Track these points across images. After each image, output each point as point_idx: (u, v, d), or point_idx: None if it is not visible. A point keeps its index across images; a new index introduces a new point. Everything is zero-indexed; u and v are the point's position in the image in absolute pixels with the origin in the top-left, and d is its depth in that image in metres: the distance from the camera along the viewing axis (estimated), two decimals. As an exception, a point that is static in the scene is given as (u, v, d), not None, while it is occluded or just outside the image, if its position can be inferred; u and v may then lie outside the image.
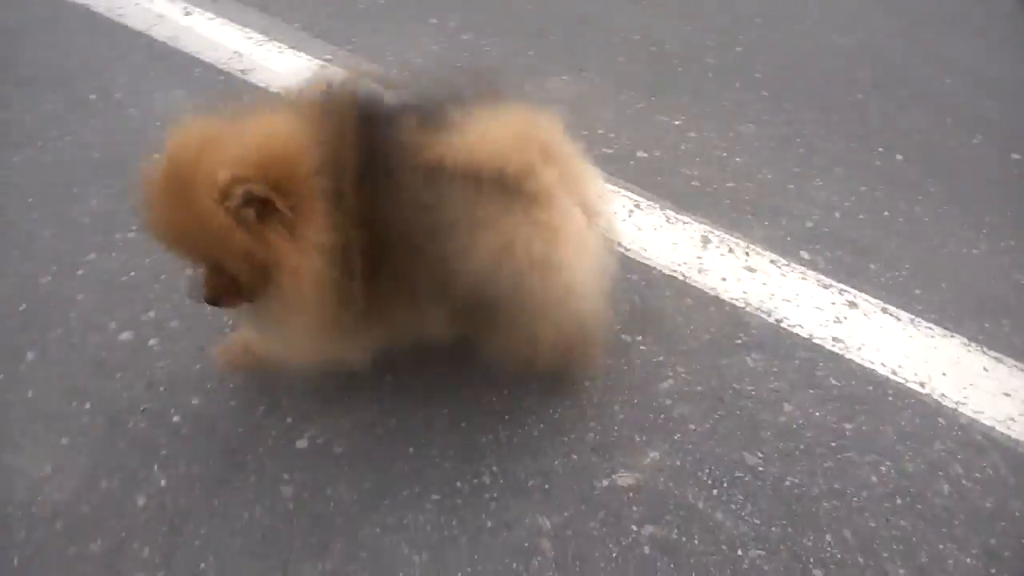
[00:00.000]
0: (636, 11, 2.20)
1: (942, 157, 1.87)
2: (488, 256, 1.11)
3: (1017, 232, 1.71)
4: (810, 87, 2.02)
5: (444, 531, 1.25)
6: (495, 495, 1.29)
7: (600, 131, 1.88)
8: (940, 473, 1.33)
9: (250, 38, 2.09)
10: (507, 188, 1.10)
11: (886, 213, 1.74)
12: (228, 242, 1.07)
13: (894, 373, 1.46)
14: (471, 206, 1.11)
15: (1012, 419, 1.40)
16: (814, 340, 1.50)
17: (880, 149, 1.87)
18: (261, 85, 1.95)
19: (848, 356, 1.48)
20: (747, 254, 1.64)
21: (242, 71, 1.99)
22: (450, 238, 1.11)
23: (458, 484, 1.30)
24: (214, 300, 1.17)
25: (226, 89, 1.92)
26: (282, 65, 1.99)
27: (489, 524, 1.26)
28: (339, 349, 1.26)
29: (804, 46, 2.12)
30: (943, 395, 1.43)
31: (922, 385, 1.45)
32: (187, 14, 2.16)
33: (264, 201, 1.05)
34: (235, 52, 2.04)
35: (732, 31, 2.14)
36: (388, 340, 1.27)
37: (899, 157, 1.86)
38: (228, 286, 1.14)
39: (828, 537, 1.25)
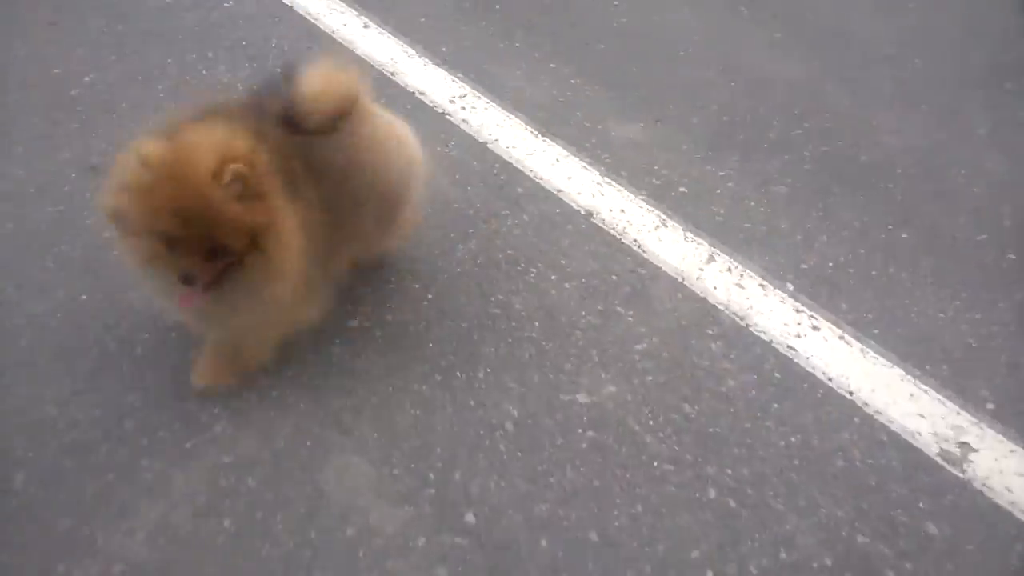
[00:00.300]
0: (720, 87, 2.62)
1: (943, 243, 2.15)
2: (375, 167, 1.58)
3: (986, 308, 1.97)
4: (848, 170, 2.35)
5: (438, 400, 1.67)
6: (483, 387, 1.70)
7: (655, 167, 2.30)
8: (839, 452, 1.64)
9: (407, 51, 2.66)
10: (355, 116, 1.51)
11: (873, 272, 2.05)
12: (225, 213, 1.29)
13: (830, 380, 1.78)
14: (347, 143, 1.52)
15: (919, 432, 1.68)
16: (773, 344, 1.84)
17: (890, 226, 2.19)
18: (408, 88, 2.50)
19: (796, 360, 1.81)
20: (741, 276, 2.00)
21: (392, 73, 2.56)
22: (349, 174, 1.53)
23: (457, 373, 1.73)
24: (193, 278, 1.34)
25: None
26: (423, 78, 2.54)
27: (471, 402, 1.67)
28: (308, 308, 1.57)
29: (855, 139, 2.46)
30: (866, 403, 1.73)
31: (850, 393, 1.75)
32: (365, 26, 2.77)
33: (245, 181, 1.30)
34: (392, 59, 2.62)
35: (797, 117, 2.52)
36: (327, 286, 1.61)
37: (904, 235, 2.16)
38: (211, 267, 1.35)
39: (728, 471, 1.59)
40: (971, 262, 2.10)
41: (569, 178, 2.23)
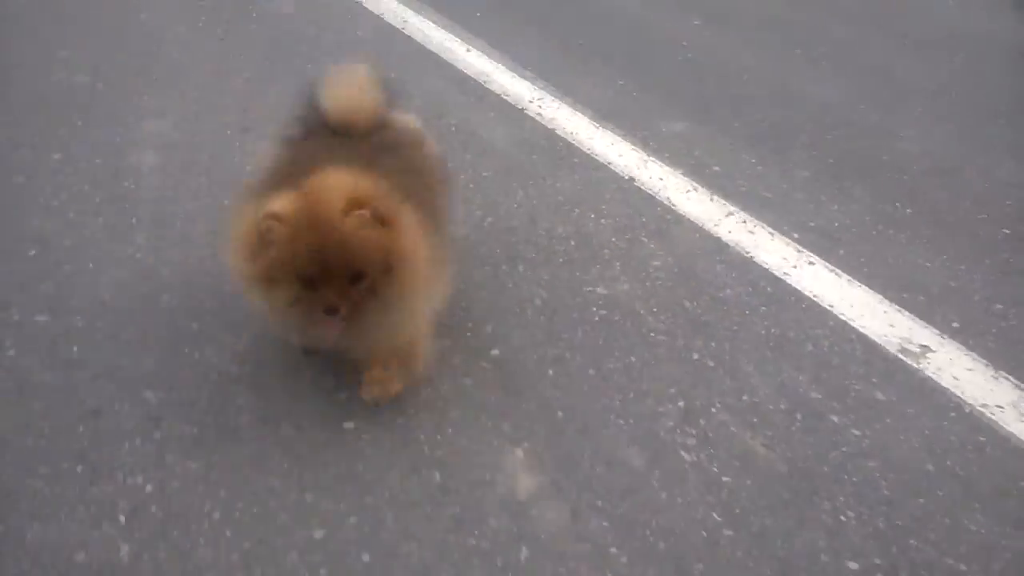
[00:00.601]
0: (763, 102, 3.03)
1: (944, 218, 2.43)
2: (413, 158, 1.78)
3: (971, 263, 2.24)
4: (867, 164, 2.68)
5: (485, 284, 2.11)
6: (522, 277, 2.13)
7: (694, 152, 2.71)
8: (809, 344, 1.96)
9: (497, 67, 3.23)
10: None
11: (873, 233, 2.37)
12: (367, 242, 1.43)
13: (815, 296, 2.10)
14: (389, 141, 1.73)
15: (885, 336, 1.98)
16: (770, 270, 2.19)
17: (897, 203, 2.50)
18: (498, 92, 3.05)
19: (789, 282, 2.15)
20: (754, 227, 2.36)
21: (485, 82, 3.13)
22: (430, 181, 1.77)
23: (503, 267, 2.17)
24: (336, 308, 1.46)
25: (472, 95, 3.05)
26: (509, 84, 3.08)
27: (510, 285, 2.10)
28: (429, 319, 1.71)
29: (878, 143, 2.80)
30: (842, 314, 2.05)
31: (831, 307, 2.07)
32: (467, 51, 3.37)
33: (373, 210, 1.44)
34: (484, 71, 3.19)
35: (828, 126, 2.87)
36: None
37: (908, 210, 2.47)
38: (351, 295, 1.47)
39: (712, 344, 1.95)
40: (966, 233, 2.38)
41: (619, 155, 2.69)
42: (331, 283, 1.45)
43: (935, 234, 2.36)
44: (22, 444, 1.67)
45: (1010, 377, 1.88)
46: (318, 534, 1.52)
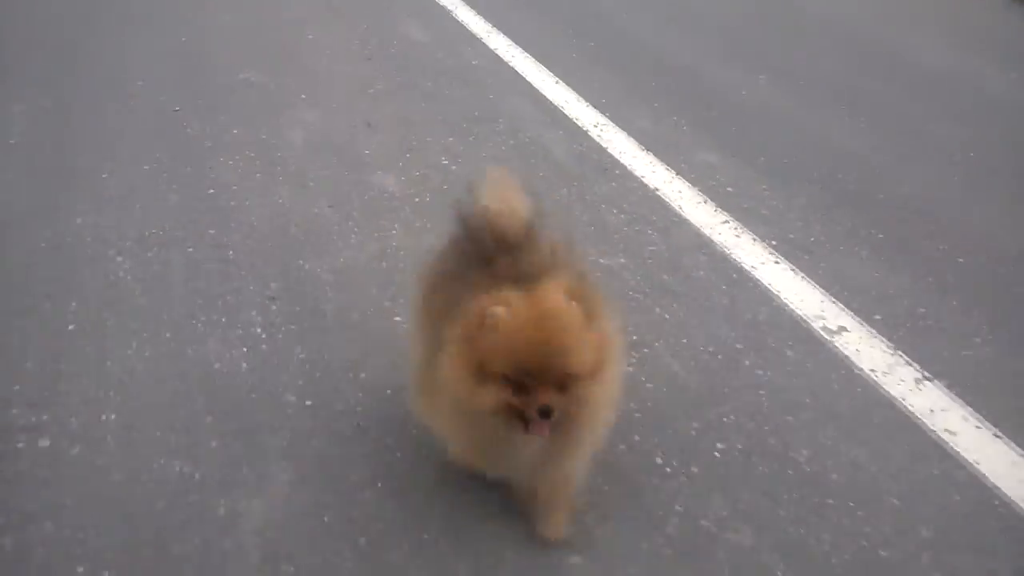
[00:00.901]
0: (791, 146, 3.60)
1: (914, 250, 2.96)
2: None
3: (912, 283, 2.76)
4: (861, 200, 3.17)
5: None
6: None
7: (716, 176, 3.34)
8: (749, 313, 2.56)
9: (579, 98, 3.97)
10: None
11: (841, 248, 2.93)
12: (585, 342, 1.46)
13: (768, 284, 2.70)
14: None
15: (816, 316, 2.55)
16: (741, 264, 2.79)
17: (876, 233, 3.04)
18: (571, 117, 3.78)
19: (753, 273, 2.74)
20: (743, 233, 2.97)
21: (562, 107, 3.87)
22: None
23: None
24: (550, 411, 1.44)
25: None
26: (578, 111, 3.81)
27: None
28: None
29: (879, 185, 3.31)
30: (787, 299, 2.63)
31: (778, 292, 2.66)
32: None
33: (586, 308, 1.49)
34: (565, 100, 3.94)
35: (841, 169, 3.39)
36: None
37: (880, 236, 3.01)
38: (562, 400, 1.46)
39: (673, 305, 2.58)
40: (921, 257, 2.90)
41: (653, 172, 3.35)
42: (544, 384, 1.44)
43: (894, 256, 2.90)
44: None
45: (905, 355, 2.41)
46: None
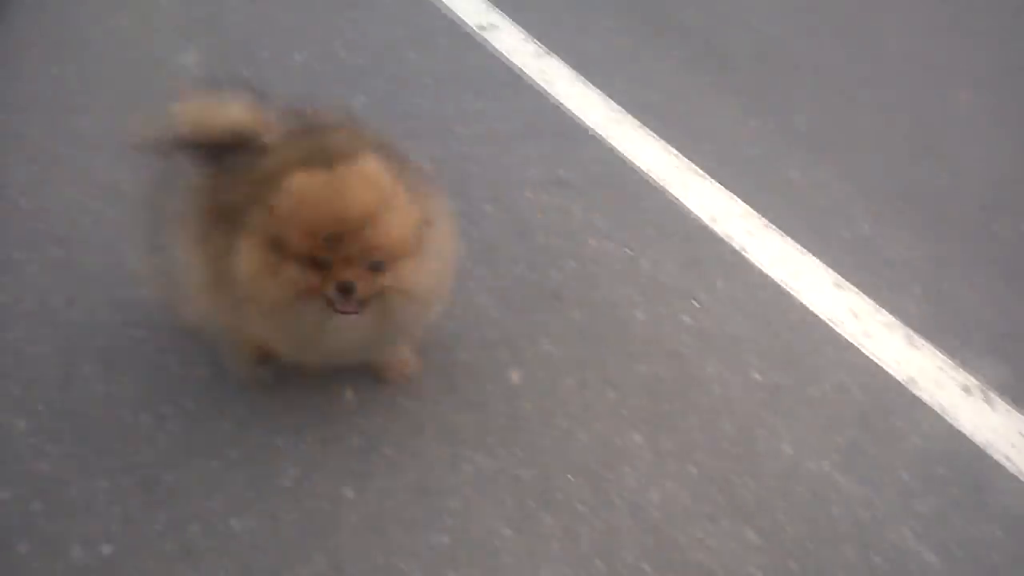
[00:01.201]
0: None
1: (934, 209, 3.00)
2: None
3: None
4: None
5: (492, 222, 3.15)
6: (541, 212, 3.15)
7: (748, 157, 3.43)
8: (714, 266, 2.72)
9: (612, 105, 4.20)
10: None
11: (841, 207, 3.03)
12: (407, 209, 1.40)
13: (743, 249, 2.85)
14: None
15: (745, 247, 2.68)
16: (728, 240, 2.96)
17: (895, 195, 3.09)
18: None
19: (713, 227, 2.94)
20: (734, 197, 3.12)
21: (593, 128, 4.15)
22: None
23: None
24: (350, 288, 1.36)
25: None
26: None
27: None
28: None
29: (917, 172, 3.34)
30: (744, 247, 2.82)
31: (745, 249, 2.83)
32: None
33: (407, 178, 1.43)
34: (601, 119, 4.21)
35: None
36: None
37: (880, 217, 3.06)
38: (369, 279, 1.38)
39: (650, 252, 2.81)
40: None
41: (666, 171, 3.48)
42: (349, 263, 1.35)
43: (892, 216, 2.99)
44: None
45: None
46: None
